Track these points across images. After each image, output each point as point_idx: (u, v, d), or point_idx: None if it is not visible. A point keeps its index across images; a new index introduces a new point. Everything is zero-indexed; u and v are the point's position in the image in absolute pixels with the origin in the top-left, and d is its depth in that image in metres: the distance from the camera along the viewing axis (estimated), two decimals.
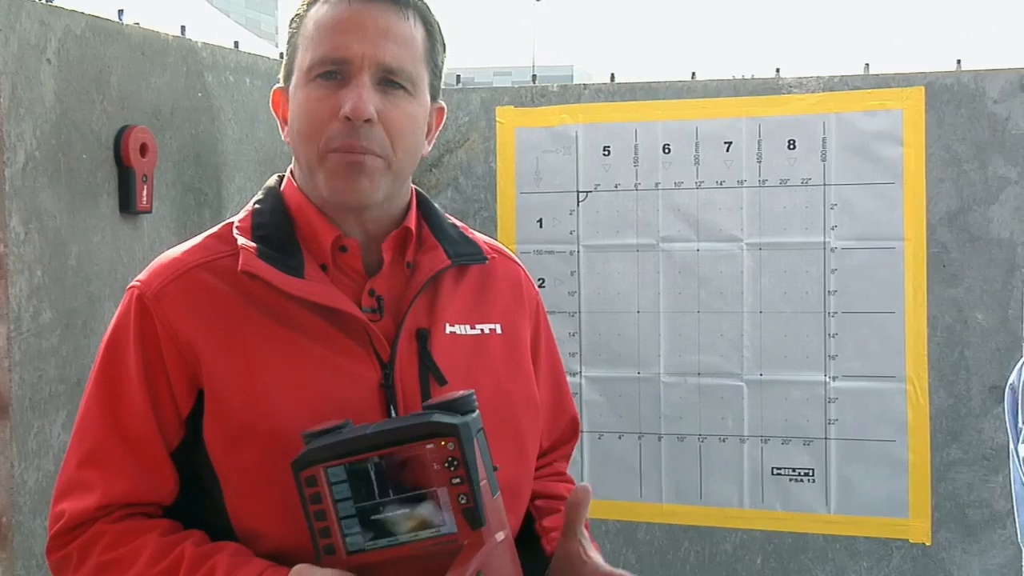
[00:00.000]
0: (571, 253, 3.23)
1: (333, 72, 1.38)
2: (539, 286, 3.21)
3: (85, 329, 2.23)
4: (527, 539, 1.57)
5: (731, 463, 3.19)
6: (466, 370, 1.47)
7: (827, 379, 3.07)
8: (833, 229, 3.01)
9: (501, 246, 1.62)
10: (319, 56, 1.38)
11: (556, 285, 3.25)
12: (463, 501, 1.25)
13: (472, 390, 1.30)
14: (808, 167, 3.01)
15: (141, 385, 1.35)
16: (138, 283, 1.40)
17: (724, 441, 3.18)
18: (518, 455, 1.51)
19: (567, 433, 1.71)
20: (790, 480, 3.14)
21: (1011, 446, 1.81)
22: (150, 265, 1.43)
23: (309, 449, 1.27)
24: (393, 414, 1.40)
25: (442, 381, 1.43)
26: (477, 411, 1.29)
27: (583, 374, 3.23)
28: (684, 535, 3.27)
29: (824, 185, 2.99)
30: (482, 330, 1.53)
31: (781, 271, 3.09)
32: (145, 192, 2.40)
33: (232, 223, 1.43)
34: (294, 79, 1.42)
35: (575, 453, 3.36)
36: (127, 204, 2.38)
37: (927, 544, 3.06)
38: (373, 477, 1.27)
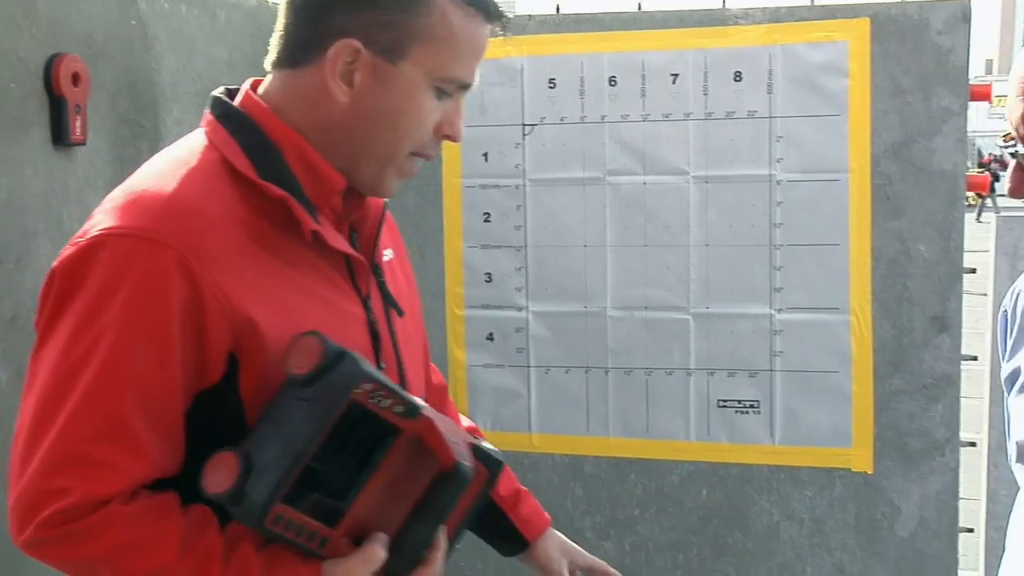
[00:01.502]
0: (517, 187, 3.23)
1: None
2: (485, 221, 3.25)
3: (19, 264, 2.18)
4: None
5: (677, 396, 3.23)
6: (397, 295, 1.53)
7: (772, 312, 3.10)
8: (779, 161, 3.01)
9: None
10: (456, 75, 1.39)
11: (502, 219, 3.26)
12: (398, 410, 1.28)
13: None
14: (754, 99, 3.00)
15: (176, 358, 1.27)
16: (162, 238, 1.26)
17: (671, 374, 3.21)
18: (424, 363, 1.70)
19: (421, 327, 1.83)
20: (735, 412, 3.19)
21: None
22: (147, 203, 1.29)
23: (251, 502, 1.23)
24: (380, 351, 1.44)
25: (400, 312, 1.50)
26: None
27: (530, 309, 3.25)
28: (631, 468, 3.31)
29: (770, 117, 2.99)
30: (387, 255, 1.60)
31: (727, 204, 3.10)
32: (79, 123, 2.32)
33: (216, 157, 1.35)
34: (408, 68, 1.36)
35: (522, 388, 3.41)
36: (60, 136, 2.30)
37: (869, 473, 3.11)
38: (317, 468, 1.26)
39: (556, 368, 3.30)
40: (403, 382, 1.50)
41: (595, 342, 3.26)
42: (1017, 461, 1.53)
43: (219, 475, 1.23)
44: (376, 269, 1.49)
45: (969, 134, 3.08)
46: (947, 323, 3.00)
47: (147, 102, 2.60)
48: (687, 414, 3.21)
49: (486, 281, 3.32)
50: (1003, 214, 3.48)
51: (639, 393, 3.25)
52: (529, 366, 3.33)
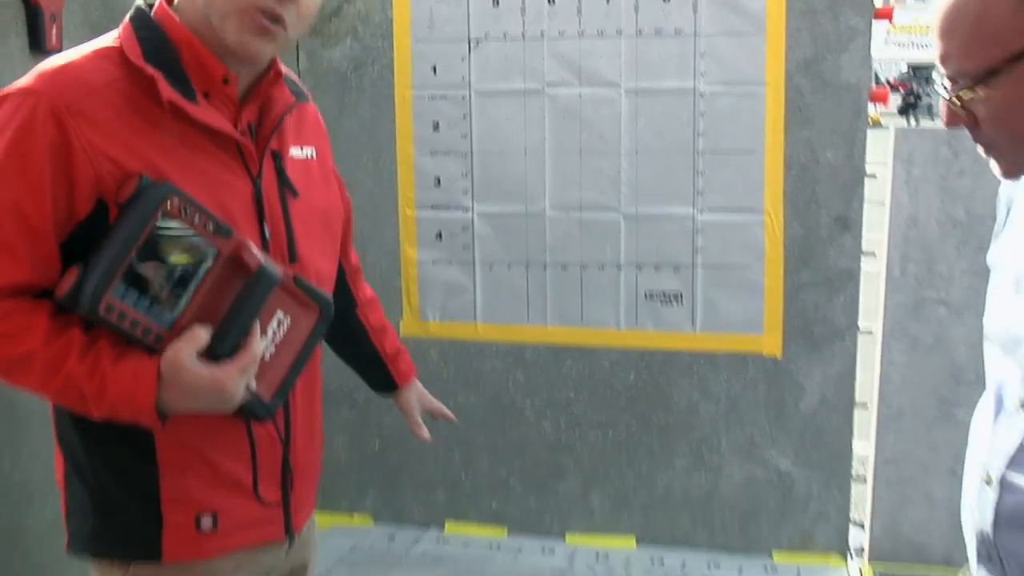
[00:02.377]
0: (463, 98, 3.38)
1: None
2: (434, 129, 3.40)
3: None
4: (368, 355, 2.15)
5: (609, 289, 3.42)
6: (303, 186, 1.75)
7: (695, 212, 3.30)
8: (702, 76, 3.21)
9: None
10: None
11: (449, 128, 3.41)
12: (210, 227, 1.51)
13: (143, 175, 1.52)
14: (680, 18, 3.18)
15: (46, 188, 1.50)
16: (42, 94, 1.50)
17: (603, 269, 3.41)
18: (332, 253, 1.87)
19: (349, 218, 2.04)
20: (661, 303, 3.39)
21: None
22: (45, 73, 1.51)
23: (84, 292, 1.45)
24: (264, 221, 1.65)
25: (295, 194, 1.71)
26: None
27: (475, 210, 3.43)
28: (567, 354, 3.52)
29: (695, 35, 3.18)
30: (307, 154, 1.80)
31: (655, 114, 3.28)
32: (55, 31, 2.45)
33: (117, 48, 1.57)
34: None
35: (468, 283, 3.54)
36: (37, 43, 2.42)
37: (778, 357, 3.36)
38: (144, 271, 1.48)
39: (499, 264, 3.48)
40: (292, 253, 1.72)
41: (534, 240, 3.45)
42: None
43: (65, 282, 1.47)
44: (276, 156, 1.70)
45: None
46: (849, 223, 3.23)
47: (119, 13, 2.72)
48: (617, 305, 3.42)
49: (435, 185, 3.47)
50: (899, 127, 3.71)
51: (574, 286, 3.44)
52: (475, 262, 3.50)
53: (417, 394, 2.26)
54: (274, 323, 1.62)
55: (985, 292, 1.56)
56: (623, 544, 3.64)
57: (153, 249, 1.48)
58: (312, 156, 1.83)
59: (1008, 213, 1.60)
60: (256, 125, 1.69)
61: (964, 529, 1.57)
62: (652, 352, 3.48)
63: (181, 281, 1.51)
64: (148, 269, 1.48)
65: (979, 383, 1.57)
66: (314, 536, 2.06)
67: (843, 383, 3.37)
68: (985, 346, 1.58)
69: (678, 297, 3.40)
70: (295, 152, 1.77)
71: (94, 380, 1.51)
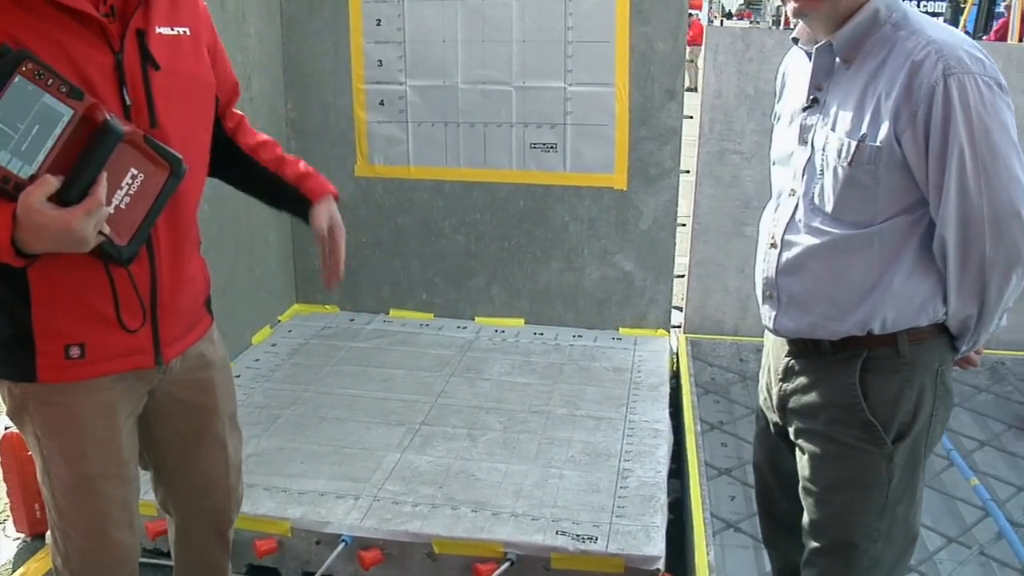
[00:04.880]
0: (398, 2, 4.19)
1: None
2: (377, 24, 4.19)
3: None
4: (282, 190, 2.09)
5: (504, 141, 4.23)
6: (171, 60, 1.76)
7: (566, 85, 4.14)
8: None
9: None
10: None
11: (388, 24, 4.20)
12: (63, 90, 1.53)
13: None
14: None
15: None
16: None
17: (500, 127, 4.23)
18: (203, 118, 1.91)
19: (234, 91, 2.09)
20: (541, 151, 4.23)
21: None
22: None
23: None
24: (124, 90, 1.67)
25: (157, 67, 1.72)
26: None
27: (407, 84, 4.25)
28: (475, 187, 4.35)
29: None
30: (178, 32, 1.80)
31: (536, 13, 4.10)
32: None
33: None
34: None
35: (403, 136, 4.34)
36: None
37: (624, 189, 4.22)
38: (4, 127, 1.49)
39: (425, 123, 4.28)
40: (153, 119, 1.71)
41: (450, 105, 4.24)
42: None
43: None
44: (140, 33, 1.69)
45: None
46: (675, 94, 4.12)
47: None
48: (510, 152, 4.25)
49: (378, 65, 4.26)
50: (714, 24, 4.58)
51: (479, 139, 4.25)
52: (407, 122, 4.29)
53: (328, 210, 2.08)
54: (128, 178, 1.62)
55: (766, 146, 1.99)
56: (515, 323, 4.52)
57: (12, 108, 1.48)
58: (185, 33, 1.82)
59: (783, 82, 2.02)
60: (120, 7, 1.70)
61: (756, 283, 1.97)
62: (535, 186, 4.29)
63: (40, 138, 1.51)
64: (8, 126, 1.48)
65: (762, 208, 1.85)
66: (217, 363, 2.07)
67: (669, 208, 4.26)
68: (772, 169, 1.95)
69: (554, 146, 4.22)
70: (164, 30, 1.76)
71: None
